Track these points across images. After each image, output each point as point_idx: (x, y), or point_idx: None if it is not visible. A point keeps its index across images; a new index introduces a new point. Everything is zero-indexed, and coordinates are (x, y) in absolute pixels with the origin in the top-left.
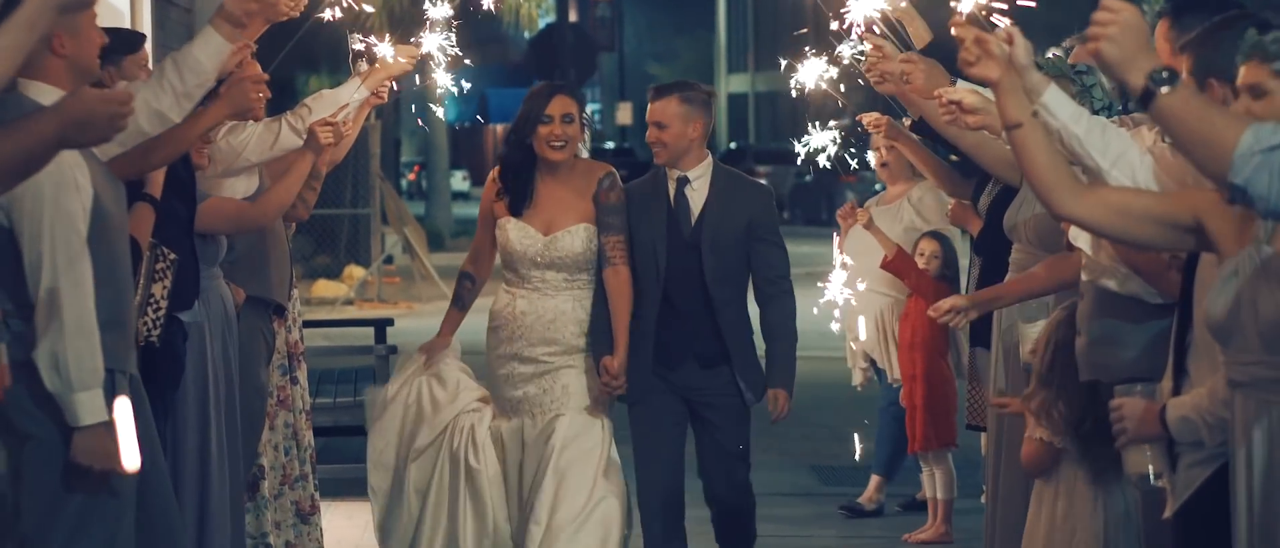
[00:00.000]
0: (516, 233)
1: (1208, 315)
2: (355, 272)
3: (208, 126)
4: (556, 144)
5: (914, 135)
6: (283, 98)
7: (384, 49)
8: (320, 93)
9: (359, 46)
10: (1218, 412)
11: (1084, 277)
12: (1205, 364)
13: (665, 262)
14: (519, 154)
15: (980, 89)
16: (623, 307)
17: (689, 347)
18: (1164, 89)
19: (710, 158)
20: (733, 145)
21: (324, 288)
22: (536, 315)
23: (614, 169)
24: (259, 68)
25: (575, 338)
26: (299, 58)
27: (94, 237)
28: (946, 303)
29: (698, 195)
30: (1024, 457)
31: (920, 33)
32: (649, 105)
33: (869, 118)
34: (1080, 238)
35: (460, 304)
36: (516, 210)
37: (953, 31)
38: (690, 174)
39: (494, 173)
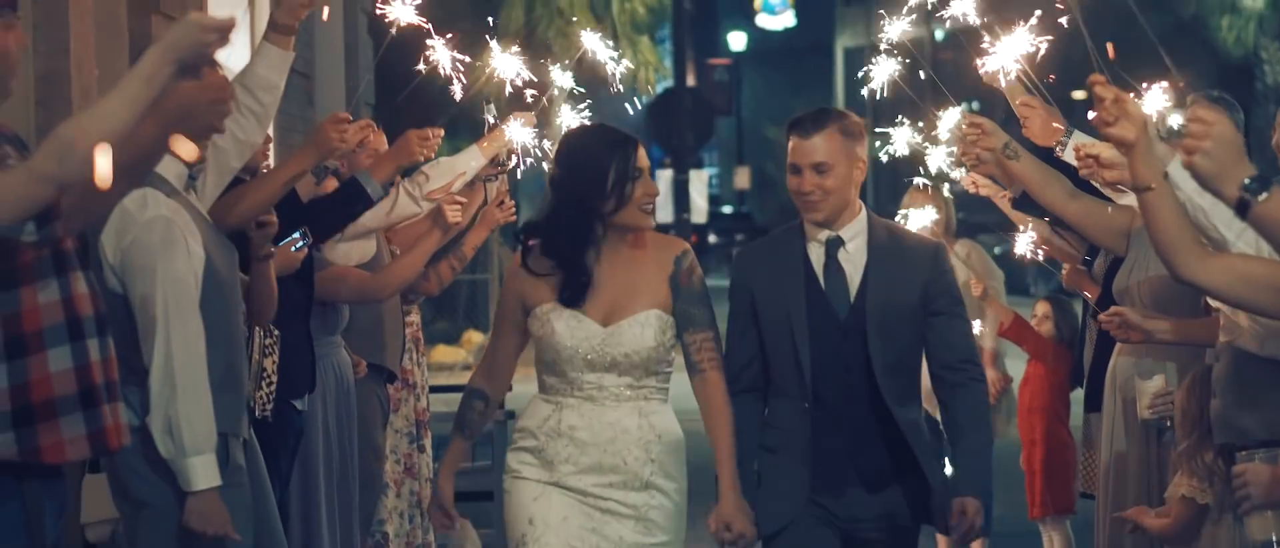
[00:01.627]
0: (566, 325)
1: None
2: (474, 336)
3: (295, 174)
4: (649, 206)
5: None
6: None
7: (515, 130)
8: (438, 160)
9: (491, 117)
10: None
11: (1222, 338)
12: None
13: (811, 354)
14: (580, 220)
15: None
16: (723, 427)
17: (850, 464)
18: (1260, 197)
19: (865, 210)
20: None
21: (443, 353)
22: (590, 431)
23: (689, 246)
24: (384, 138)
25: (640, 466)
26: (418, 124)
27: (206, 300)
28: (1116, 310)
29: (855, 262)
30: (1164, 528)
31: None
32: (794, 144)
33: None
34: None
35: (466, 430)
36: (572, 298)
37: (1093, 89)
38: (845, 233)
39: (523, 252)
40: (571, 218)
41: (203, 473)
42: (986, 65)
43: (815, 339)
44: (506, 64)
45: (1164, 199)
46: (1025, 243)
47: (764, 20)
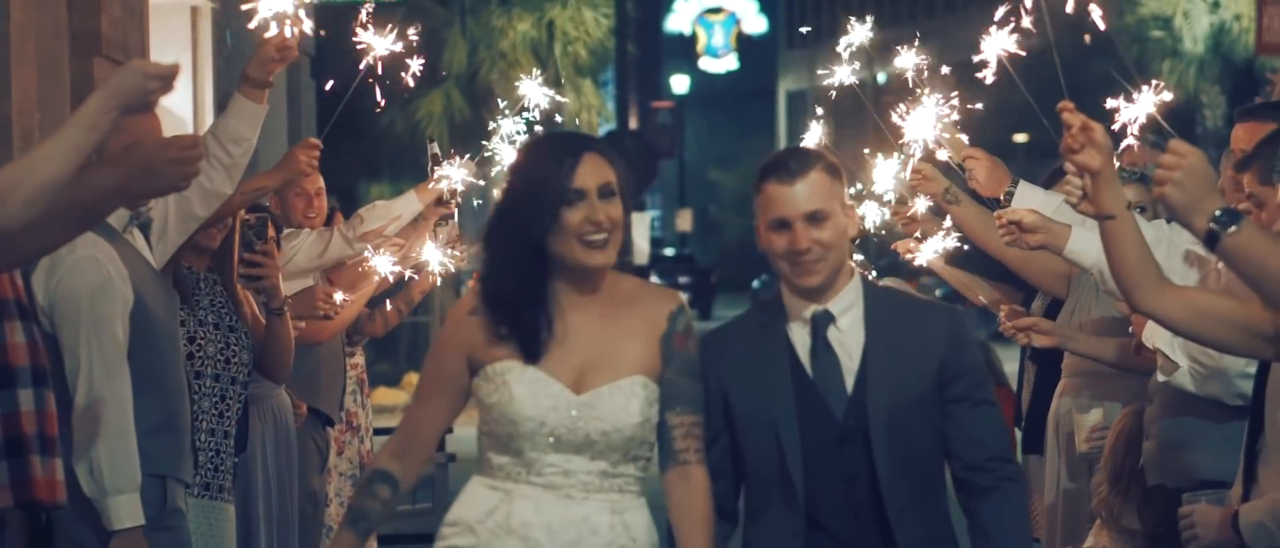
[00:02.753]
0: (529, 389)
1: None
2: (415, 379)
3: (258, 190)
4: (595, 238)
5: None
6: (345, 205)
7: (452, 171)
8: (375, 204)
9: (434, 152)
10: None
11: (1159, 378)
12: (1275, 471)
13: (804, 465)
14: (512, 252)
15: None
16: (704, 539)
17: None
18: (1229, 230)
19: (856, 274)
20: None
21: (384, 395)
22: (549, 531)
23: (685, 303)
24: (320, 179)
25: None
26: (362, 166)
27: (140, 343)
28: (1024, 320)
29: (850, 342)
30: None
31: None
32: (775, 193)
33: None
34: (1158, 337)
35: (361, 524)
36: (531, 351)
37: (1061, 116)
38: (835, 306)
39: (472, 294)
40: (503, 249)
41: (125, 512)
42: (906, 132)
43: (808, 447)
44: (532, 91)
45: (1126, 229)
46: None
47: (707, 63)
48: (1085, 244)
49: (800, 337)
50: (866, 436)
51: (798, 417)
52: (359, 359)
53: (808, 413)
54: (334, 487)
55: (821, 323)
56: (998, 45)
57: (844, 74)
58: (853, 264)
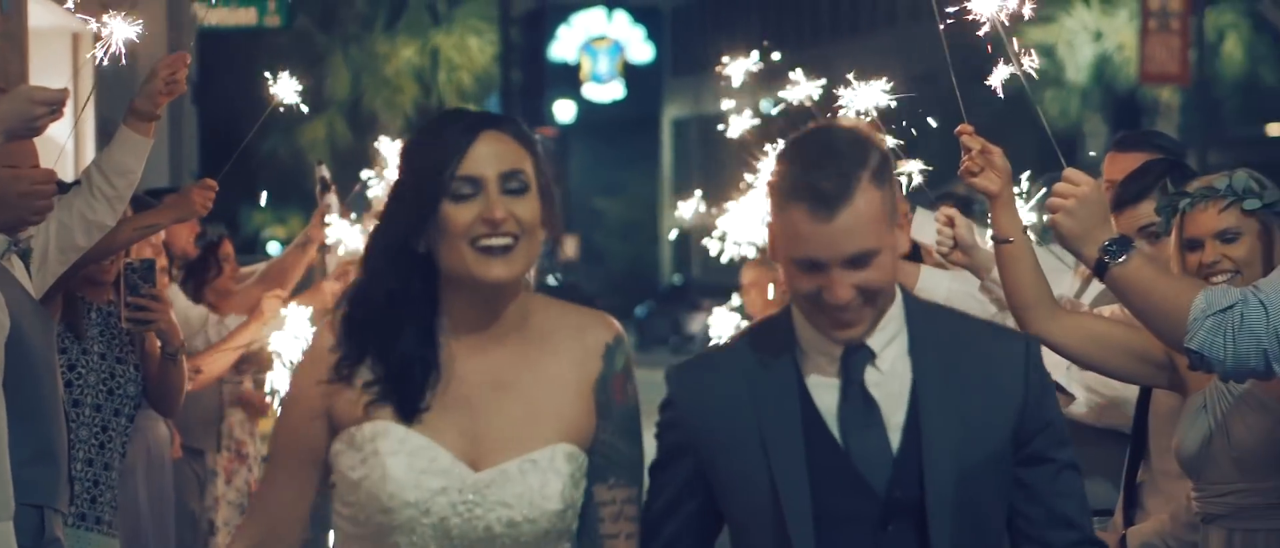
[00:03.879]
0: (407, 463)
1: (1180, 450)
2: None
3: (148, 227)
4: (492, 243)
5: None
6: (229, 231)
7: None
8: (228, 327)
9: (324, 175)
10: (1181, 536)
11: None
12: (1161, 500)
13: None
14: (388, 261)
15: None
16: None
17: None
18: (1119, 260)
19: (899, 292)
20: (676, 278)
21: (268, 425)
22: None
23: (623, 332)
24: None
25: None
26: (244, 192)
27: (14, 371)
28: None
29: (894, 383)
30: None
31: None
32: (807, 229)
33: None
34: (1056, 371)
35: None
36: (409, 407)
37: (960, 139)
38: (876, 339)
39: (328, 326)
40: (377, 264)
41: None
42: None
43: (827, 536)
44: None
45: (1023, 253)
46: None
47: (592, 91)
48: (933, 282)
49: (822, 380)
50: (921, 516)
51: (814, 495)
52: (247, 385)
53: (831, 489)
54: (222, 516)
55: (856, 362)
56: (872, 97)
57: (732, 106)
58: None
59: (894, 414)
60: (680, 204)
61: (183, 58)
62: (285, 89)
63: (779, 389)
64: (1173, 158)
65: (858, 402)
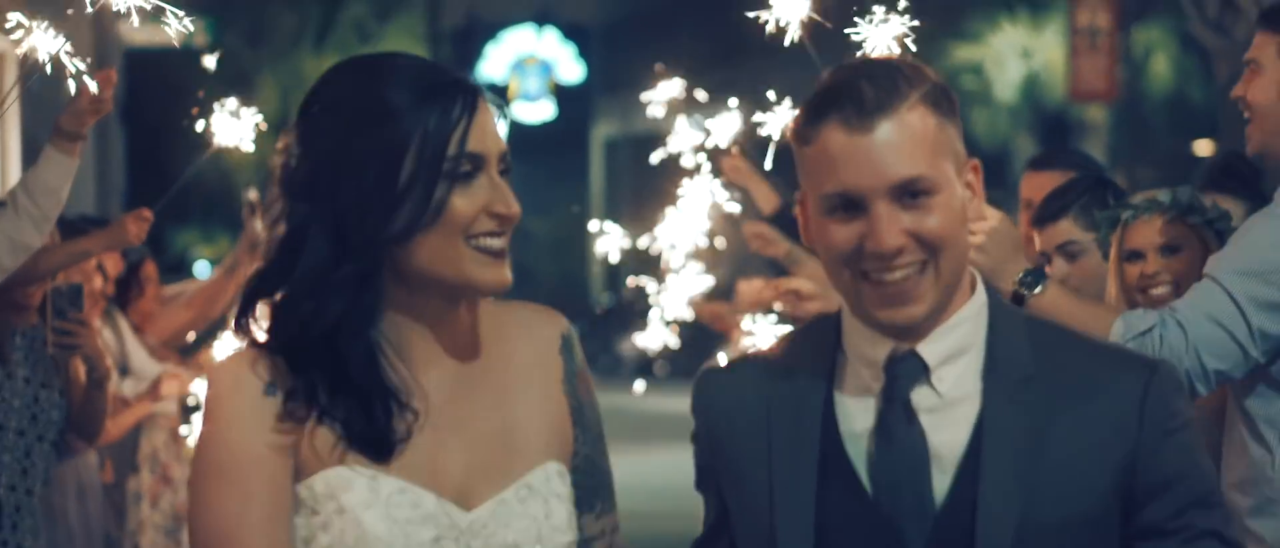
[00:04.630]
0: (387, 511)
1: None
2: None
3: (80, 253)
4: (493, 245)
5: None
6: (155, 252)
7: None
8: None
9: (252, 198)
10: None
11: None
12: None
13: None
14: (356, 280)
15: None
16: None
17: None
18: (1035, 291)
19: (981, 286)
20: (606, 298)
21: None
22: None
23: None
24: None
25: None
26: (170, 212)
27: None
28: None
29: (955, 410)
30: None
31: (767, 195)
32: (828, 140)
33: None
34: None
35: None
36: (382, 445)
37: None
38: (930, 348)
39: (247, 358)
40: (320, 264)
41: None
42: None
43: None
44: None
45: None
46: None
47: (521, 111)
48: None
49: (856, 400)
50: None
51: (818, 542)
52: (171, 409)
53: (847, 543)
54: (147, 540)
55: (902, 375)
56: (781, 120)
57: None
58: (975, 272)
59: (948, 452)
60: (599, 240)
61: (109, 77)
62: (224, 129)
63: (797, 407)
64: (1095, 175)
65: (899, 430)
